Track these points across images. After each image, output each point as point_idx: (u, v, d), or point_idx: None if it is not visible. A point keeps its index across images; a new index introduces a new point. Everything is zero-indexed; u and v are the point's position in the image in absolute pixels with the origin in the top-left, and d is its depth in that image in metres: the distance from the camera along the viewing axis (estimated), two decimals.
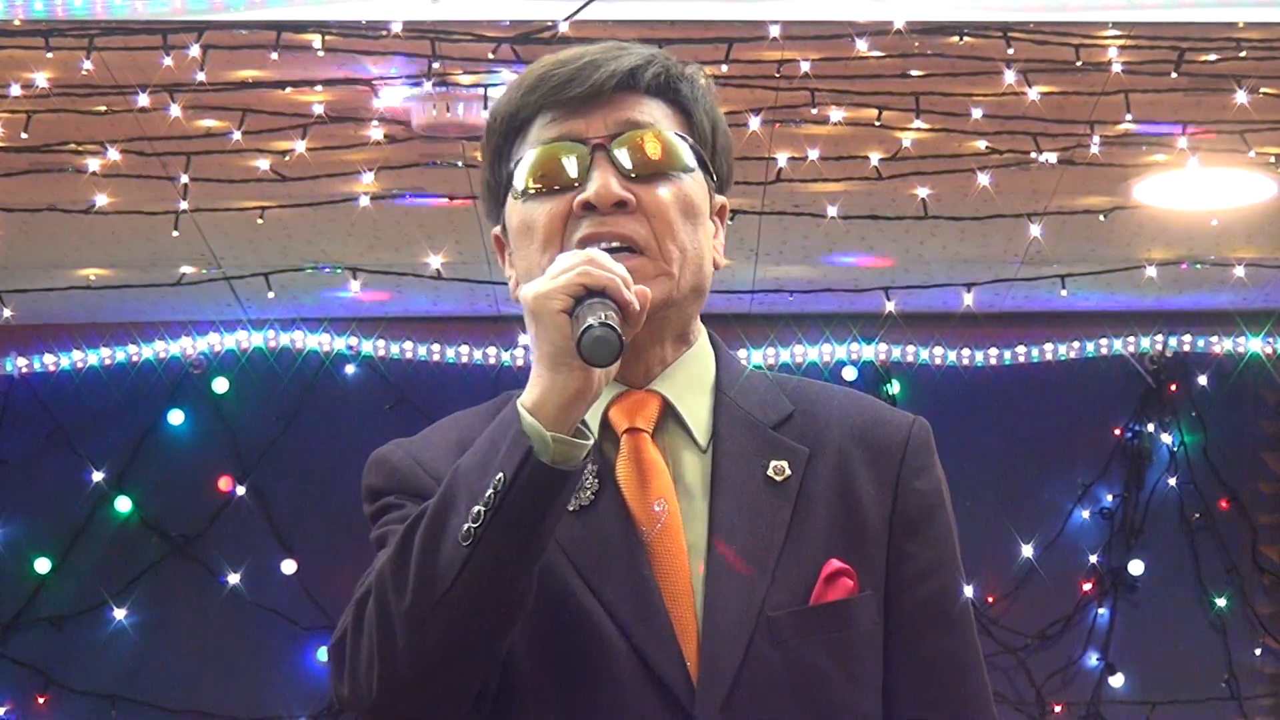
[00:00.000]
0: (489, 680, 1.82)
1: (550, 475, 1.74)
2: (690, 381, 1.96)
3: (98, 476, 6.52)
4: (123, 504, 6.55)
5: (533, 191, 1.93)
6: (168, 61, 4.29)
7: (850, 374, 6.41)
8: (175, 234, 5.04)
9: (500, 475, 1.74)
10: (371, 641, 1.78)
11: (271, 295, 5.86)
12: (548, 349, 1.76)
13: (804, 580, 1.87)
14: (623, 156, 1.90)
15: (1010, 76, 4.40)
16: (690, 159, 1.94)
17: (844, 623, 1.87)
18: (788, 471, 1.91)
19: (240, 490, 6.57)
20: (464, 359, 6.37)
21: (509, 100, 1.97)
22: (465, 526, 1.74)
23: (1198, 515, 6.64)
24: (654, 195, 1.90)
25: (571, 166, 1.91)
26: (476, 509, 1.73)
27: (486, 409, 2.00)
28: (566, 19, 4.23)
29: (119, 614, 6.49)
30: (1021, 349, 6.43)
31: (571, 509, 1.86)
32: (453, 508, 1.76)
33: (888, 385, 6.52)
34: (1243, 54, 4.38)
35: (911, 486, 1.94)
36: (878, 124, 4.63)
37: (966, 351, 6.39)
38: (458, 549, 1.74)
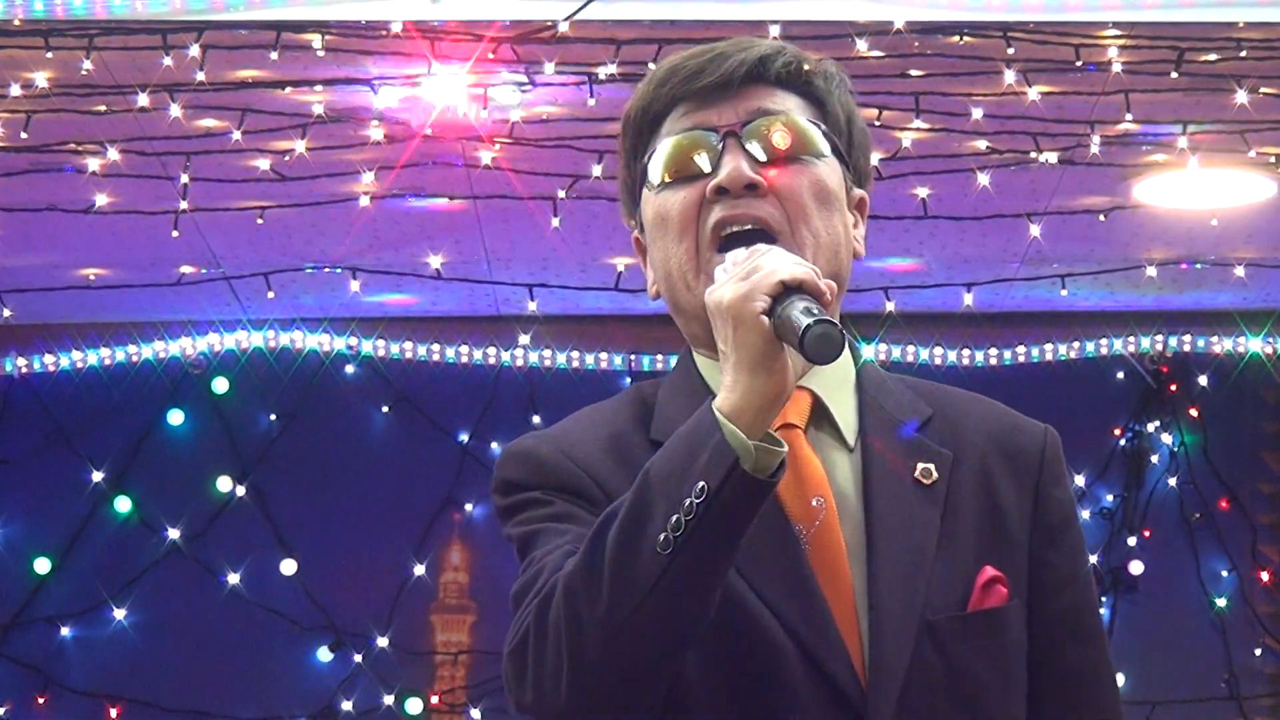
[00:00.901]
0: (669, 686, 1.80)
1: (753, 486, 1.71)
2: (837, 379, 1.94)
3: (97, 476, 6.52)
4: (122, 504, 6.55)
5: (666, 182, 1.92)
6: (167, 61, 4.29)
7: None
8: (175, 234, 5.04)
9: (703, 484, 1.70)
10: (560, 648, 1.75)
11: (271, 295, 5.87)
12: (748, 352, 1.72)
13: (959, 585, 1.86)
14: (754, 142, 1.90)
15: (1010, 76, 4.40)
16: (823, 145, 1.92)
17: (999, 630, 1.87)
18: (935, 475, 1.90)
19: (240, 490, 6.57)
20: (464, 359, 6.37)
21: (641, 95, 1.96)
22: (663, 535, 1.70)
23: (1198, 515, 6.64)
24: (786, 179, 1.89)
25: (703, 155, 1.90)
26: (676, 518, 1.70)
27: (624, 404, 1.96)
28: (566, 19, 4.23)
29: (119, 614, 6.49)
30: (1021, 349, 6.43)
31: None
32: (649, 515, 1.72)
33: None
34: (1243, 54, 4.38)
35: (1051, 494, 1.95)
36: (878, 124, 4.63)
37: (966, 351, 6.39)
38: (656, 558, 1.71)
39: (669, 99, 1.93)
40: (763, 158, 1.89)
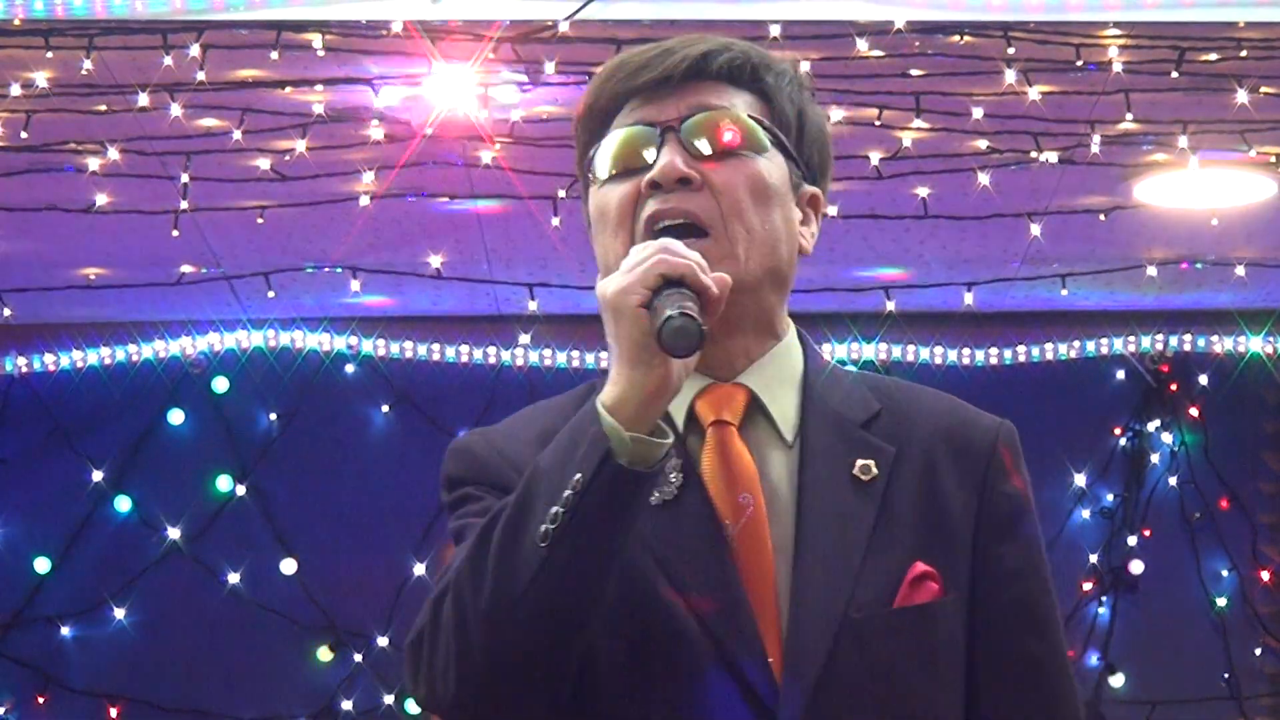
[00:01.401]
0: (567, 678, 1.80)
1: (628, 477, 1.72)
2: (778, 376, 1.94)
3: (97, 476, 6.53)
4: (122, 503, 6.55)
5: (607, 177, 1.92)
6: (167, 61, 4.29)
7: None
8: (175, 233, 5.04)
9: (579, 476, 1.72)
10: (449, 641, 1.77)
11: (271, 295, 5.86)
12: (627, 345, 1.74)
13: (889, 582, 1.85)
14: (691, 136, 1.89)
15: (1010, 76, 4.40)
16: (765, 141, 1.92)
17: (928, 626, 1.85)
18: (874, 471, 1.89)
19: (240, 490, 6.57)
20: (464, 358, 6.37)
21: (589, 92, 1.96)
22: (543, 528, 1.72)
23: (1198, 515, 6.64)
24: (722, 174, 1.88)
25: (643, 149, 1.90)
26: (554, 510, 1.72)
27: (569, 399, 1.97)
28: (566, 19, 4.23)
29: (119, 614, 6.49)
30: (1021, 349, 6.43)
31: (655, 502, 1.84)
32: (531, 507, 1.75)
33: None
34: (1243, 54, 4.37)
35: (999, 489, 1.92)
36: (878, 124, 4.63)
37: (966, 351, 6.39)
38: (535, 550, 1.73)
39: (614, 95, 1.93)
40: (702, 153, 1.89)
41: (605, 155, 1.92)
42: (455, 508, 1.92)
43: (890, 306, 5.94)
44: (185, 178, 4.80)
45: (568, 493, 1.72)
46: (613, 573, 1.77)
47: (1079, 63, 4.37)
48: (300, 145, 4.67)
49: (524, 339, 6.22)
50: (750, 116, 1.92)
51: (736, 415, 1.90)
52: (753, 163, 1.90)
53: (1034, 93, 4.47)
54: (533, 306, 5.87)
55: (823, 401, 1.93)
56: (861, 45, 4.28)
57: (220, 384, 6.54)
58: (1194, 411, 6.65)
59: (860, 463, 1.89)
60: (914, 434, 1.92)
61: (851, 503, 1.87)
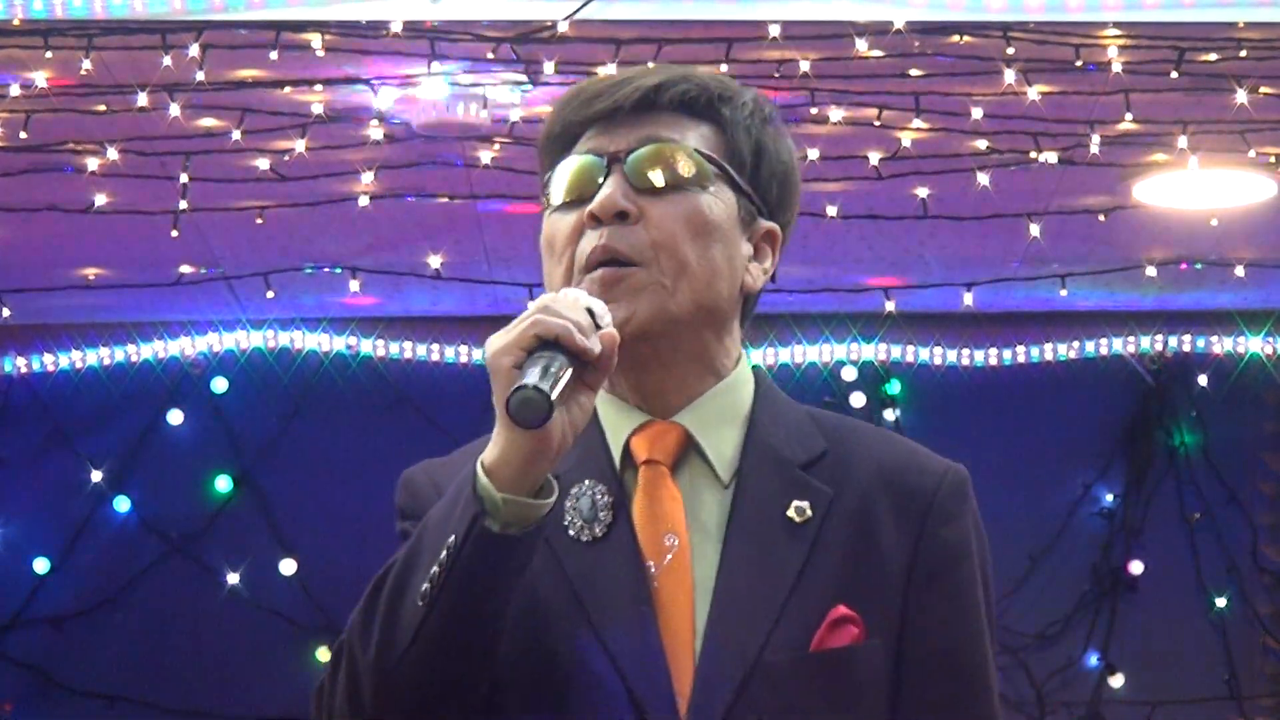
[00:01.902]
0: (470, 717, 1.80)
1: (498, 542, 1.72)
2: (718, 414, 1.91)
3: (97, 476, 6.53)
4: (122, 504, 6.55)
5: (557, 205, 1.92)
6: (167, 61, 4.29)
7: (850, 374, 6.42)
8: (175, 234, 5.04)
9: (452, 538, 1.72)
10: (343, 693, 1.78)
11: (270, 295, 5.86)
12: (502, 405, 1.73)
13: (809, 625, 1.82)
14: (635, 169, 1.88)
15: (1010, 76, 4.40)
16: (710, 176, 1.90)
17: (844, 670, 1.82)
18: (809, 513, 1.86)
19: (240, 490, 6.57)
20: (463, 359, 6.37)
21: (549, 117, 1.96)
22: (424, 586, 1.72)
23: (1197, 515, 6.64)
24: (660, 208, 1.88)
25: (589, 179, 1.89)
26: (434, 570, 1.72)
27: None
28: (566, 19, 4.23)
29: (119, 614, 6.49)
30: (1021, 349, 6.43)
31: (585, 539, 1.84)
32: (416, 563, 1.75)
33: (888, 385, 6.52)
34: (1243, 54, 4.37)
35: (936, 535, 1.88)
36: (878, 124, 4.63)
37: (966, 351, 6.39)
38: (416, 609, 1.73)
39: (568, 122, 1.93)
40: (644, 186, 1.88)
41: (559, 182, 1.91)
42: (397, 541, 1.93)
43: (890, 307, 5.94)
44: (184, 178, 4.80)
45: (443, 554, 1.72)
46: (501, 629, 1.76)
47: (1079, 63, 4.37)
48: (299, 145, 4.67)
49: None
50: (698, 151, 1.90)
51: (668, 454, 1.89)
52: (695, 198, 1.89)
53: (1033, 93, 4.47)
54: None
55: (764, 442, 1.91)
56: (861, 45, 4.27)
57: (219, 384, 6.54)
58: (1194, 412, 6.65)
59: (796, 504, 1.87)
60: (856, 476, 1.89)
61: (781, 544, 1.85)
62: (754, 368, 1.98)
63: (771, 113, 1.98)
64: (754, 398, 1.95)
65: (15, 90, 4.40)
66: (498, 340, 1.75)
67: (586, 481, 1.87)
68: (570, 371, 1.72)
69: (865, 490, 1.89)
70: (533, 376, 1.69)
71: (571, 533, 1.85)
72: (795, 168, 2.00)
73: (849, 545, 1.86)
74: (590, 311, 1.78)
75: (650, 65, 1.97)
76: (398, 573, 1.76)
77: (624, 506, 1.86)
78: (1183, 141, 4.76)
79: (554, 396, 1.68)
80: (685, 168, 1.89)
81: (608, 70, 4.32)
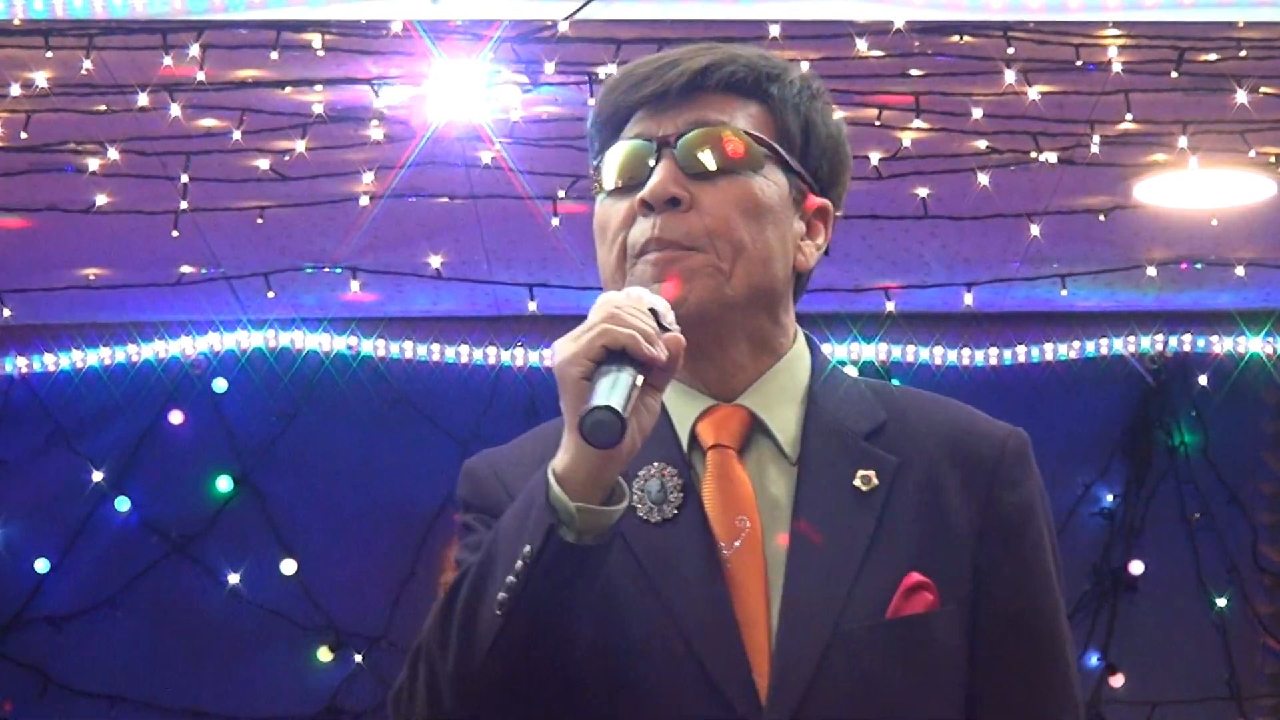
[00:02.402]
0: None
1: (573, 552, 1.73)
2: (779, 393, 1.93)
3: (97, 476, 6.53)
4: (122, 504, 6.55)
5: (609, 190, 1.93)
6: (167, 61, 4.29)
7: (850, 374, 6.40)
8: (175, 234, 5.04)
9: (528, 548, 1.73)
10: (423, 700, 1.80)
11: (271, 295, 5.87)
12: (572, 416, 1.73)
13: (884, 593, 1.84)
14: (685, 153, 1.89)
15: (1010, 76, 4.40)
16: (760, 158, 1.91)
17: (922, 637, 1.84)
18: (875, 482, 1.88)
19: (240, 490, 6.57)
20: (464, 359, 6.37)
21: (598, 100, 1.97)
22: (500, 595, 1.74)
23: (1198, 515, 6.64)
24: (712, 193, 1.89)
25: (640, 164, 1.90)
26: (509, 579, 1.73)
27: None
28: (566, 19, 4.23)
29: (119, 614, 6.49)
30: (1021, 349, 6.43)
31: (655, 521, 1.85)
32: (492, 572, 1.76)
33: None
34: (1243, 54, 4.37)
35: (1003, 499, 1.90)
36: (878, 123, 4.63)
37: (966, 351, 6.39)
38: (494, 618, 1.74)
39: (617, 106, 1.94)
40: (695, 170, 1.89)
41: (609, 168, 1.93)
42: (460, 535, 1.96)
43: (890, 307, 5.94)
44: (185, 178, 4.80)
45: (519, 564, 1.73)
46: (579, 631, 1.77)
47: (1079, 63, 4.37)
48: (300, 145, 4.67)
49: (523, 340, 6.23)
50: (748, 132, 1.91)
51: (735, 438, 1.90)
52: (746, 180, 1.90)
53: (1033, 93, 4.47)
54: (532, 307, 5.87)
55: (826, 415, 1.93)
56: (861, 45, 4.27)
57: (220, 384, 6.54)
58: (1194, 412, 6.65)
59: (861, 473, 1.89)
60: (919, 444, 1.92)
61: (849, 514, 1.87)
62: (808, 341, 2.00)
63: (819, 88, 1.98)
64: (811, 372, 1.97)
65: (15, 90, 4.40)
66: (565, 348, 1.75)
67: (655, 464, 1.88)
68: (640, 380, 1.73)
69: (929, 457, 1.91)
70: (603, 395, 1.69)
71: (640, 514, 1.86)
72: (844, 141, 2.00)
73: (917, 512, 1.88)
74: (654, 312, 1.79)
75: (696, 45, 1.96)
76: (472, 581, 1.78)
77: (693, 489, 1.88)
78: (1183, 141, 4.76)
79: (626, 414, 1.69)
80: (735, 150, 1.90)
81: (608, 70, 4.32)
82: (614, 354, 1.73)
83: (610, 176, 1.92)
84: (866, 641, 1.82)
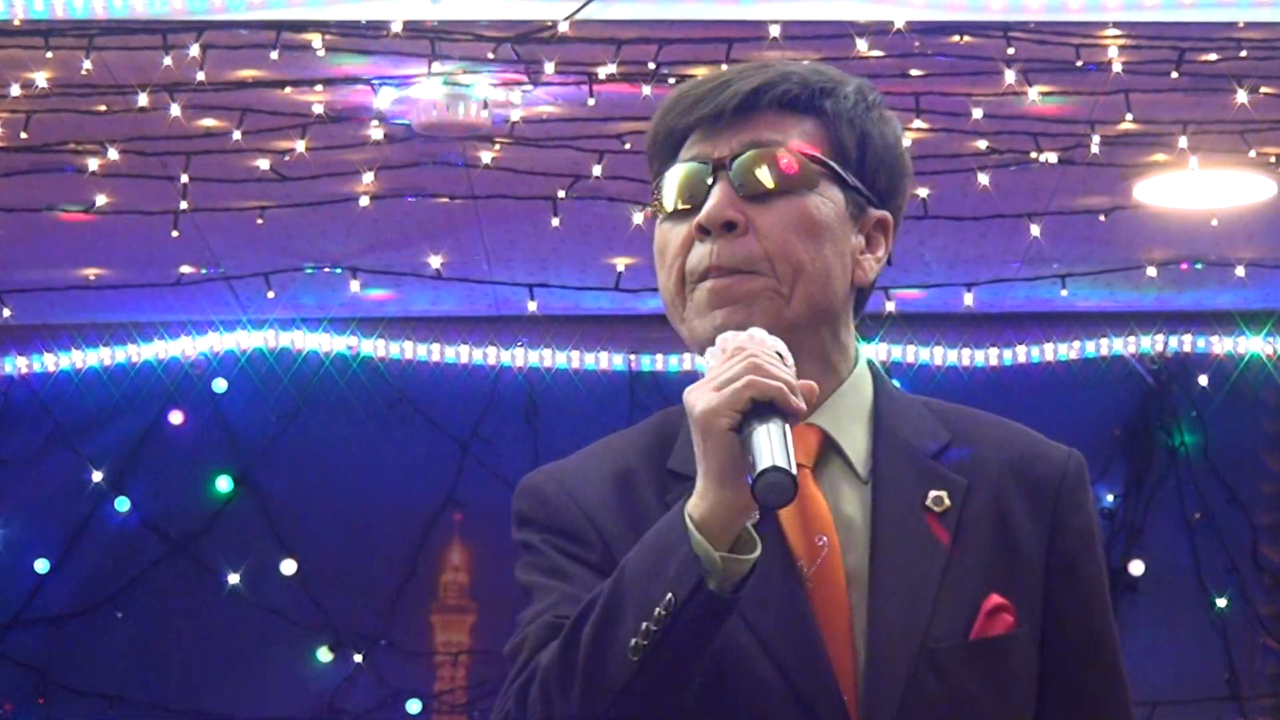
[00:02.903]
0: None
1: (720, 603, 1.72)
2: (849, 412, 1.94)
3: (97, 476, 6.52)
4: (122, 504, 6.55)
5: (668, 213, 1.93)
6: (167, 61, 4.29)
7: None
8: (175, 234, 5.04)
9: (670, 597, 1.71)
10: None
11: (271, 295, 5.87)
12: (715, 466, 1.72)
13: (964, 613, 1.85)
14: (740, 176, 1.89)
15: (1010, 76, 4.40)
16: (814, 177, 1.91)
17: (1004, 658, 1.85)
18: (947, 502, 1.89)
19: (240, 490, 6.57)
20: (463, 359, 6.37)
21: (655, 120, 1.97)
22: (634, 641, 1.72)
23: (1198, 516, 6.64)
24: (769, 216, 1.89)
25: (696, 187, 1.90)
26: (646, 625, 1.72)
27: (644, 434, 1.96)
28: (566, 19, 4.23)
29: (119, 614, 6.49)
30: (1022, 349, 6.44)
31: None
32: (621, 615, 1.74)
33: None
34: (1243, 54, 4.37)
35: (1068, 523, 1.92)
36: None
37: (966, 352, 6.39)
38: (627, 662, 1.73)
39: (672, 129, 1.94)
40: (751, 192, 1.89)
41: (668, 190, 1.93)
42: (522, 552, 1.93)
43: (890, 307, 5.93)
44: (185, 178, 4.80)
45: (659, 611, 1.71)
46: (701, 674, 1.77)
47: (1079, 63, 4.37)
48: (300, 145, 4.67)
49: (523, 339, 6.22)
50: (802, 152, 1.91)
51: (810, 457, 1.90)
52: (802, 200, 1.90)
53: (1033, 93, 4.47)
54: (532, 307, 5.87)
55: (894, 434, 1.93)
56: (861, 45, 4.27)
57: (220, 384, 6.54)
58: (1194, 412, 6.65)
59: (933, 494, 1.89)
60: (985, 465, 1.92)
61: (925, 534, 1.87)
62: (868, 361, 2.01)
63: (875, 99, 1.99)
64: (875, 391, 1.98)
65: (15, 90, 4.40)
66: (706, 398, 1.74)
67: None
68: (789, 431, 1.72)
69: (995, 478, 1.91)
70: (771, 455, 1.68)
71: None
72: (902, 151, 2.01)
73: (988, 533, 1.89)
74: (780, 355, 1.78)
75: (749, 63, 1.96)
76: (599, 622, 1.75)
77: (769, 510, 1.86)
78: (1183, 141, 4.76)
79: (795, 472, 1.68)
80: (790, 170, 1.90)
81: (608, 70, 4.32)
82: (760, 405, 1.72)
83: (669, 199, 1.92)
84: (952, 661, 1.83)
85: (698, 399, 1.75)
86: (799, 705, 1.80)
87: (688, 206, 1.91)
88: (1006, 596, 1.87)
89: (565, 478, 1.94)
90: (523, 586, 1.91)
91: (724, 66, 4.22)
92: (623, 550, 1.80)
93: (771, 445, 1.69)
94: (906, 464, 1.91)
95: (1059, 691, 1.90)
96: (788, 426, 1.72)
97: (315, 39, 4.28)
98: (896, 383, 2.00)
